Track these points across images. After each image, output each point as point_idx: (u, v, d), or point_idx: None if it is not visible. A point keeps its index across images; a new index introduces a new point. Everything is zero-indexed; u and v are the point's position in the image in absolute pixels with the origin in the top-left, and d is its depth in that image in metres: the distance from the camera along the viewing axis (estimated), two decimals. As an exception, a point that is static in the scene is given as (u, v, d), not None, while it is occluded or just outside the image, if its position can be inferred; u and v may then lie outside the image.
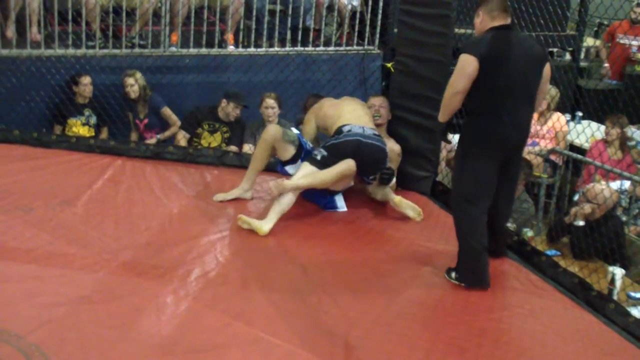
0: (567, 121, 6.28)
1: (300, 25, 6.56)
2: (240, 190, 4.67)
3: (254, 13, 6.40)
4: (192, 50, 6.30)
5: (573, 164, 5.82)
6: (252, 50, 6.46)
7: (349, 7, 6.76)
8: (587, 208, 4.80)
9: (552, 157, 5.90)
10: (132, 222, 4.20)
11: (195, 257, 3.84)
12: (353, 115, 4.66)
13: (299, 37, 6.57)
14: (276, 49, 6.51)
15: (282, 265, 3.93)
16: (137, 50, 6.19)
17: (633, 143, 5.87)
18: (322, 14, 6.73)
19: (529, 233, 4.92)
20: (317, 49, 6.66)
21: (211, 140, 5.90)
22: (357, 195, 4.84)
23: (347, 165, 4.41)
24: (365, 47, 6.76)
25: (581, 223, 4.83)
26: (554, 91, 6.13)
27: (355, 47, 6.76)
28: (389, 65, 6.40)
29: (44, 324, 3.06)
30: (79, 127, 5.94)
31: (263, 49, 6.47)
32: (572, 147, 6.30)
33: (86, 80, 5.89)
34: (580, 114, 6.86)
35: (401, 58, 5.32)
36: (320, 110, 4.87)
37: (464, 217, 3.78)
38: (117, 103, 6.06)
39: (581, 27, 7.72)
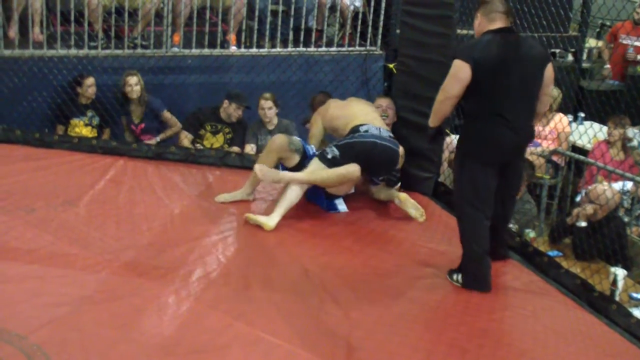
0: (570, 122, 6.27)
1: (303, 26, 6.56)
2: (242, 194, 4.66)
3: (257, 13, 6.39)
4: (195, 51, 6.29)
5: (575, 165, 5.82)
6: (254, 50, 6.45)
7: (351, 7, 6.75)
8: (589, 209, 4.80)
9: (554, 158, 5.90)
10: (134, 223, 4.20)
11: (197, 258, 3.84)
12: (369, 116, 4.63)
13: (301, 38, 6.56)
14: (278, 49, 6.50)
15: (283, 265, 3.93)
16: (139, 50, 6.18)
17: (634, 144, 5.86)
18: (324, 15, 6.71)
19: (531, 234, 4.91)
20: (320, 49, 6.65)
21: (214, 141, 5.90)
22: (359, 196, 4.84)
23: (351, 169, 4.37)
24: (368, 48, 6.75)
25: (583, 224, 4.83)
26: (556, 92, 6.11)
27: (357, 48, 6.75)
28: (391, 66, 6.39)
29: (46, 324, 3.06)
30: (81, 128, 5.93)
31: (265, 50, 6.47)
32: (575, 148, 6.30)
33: (90, 81, 5.88)
34: (582, 115, 6.85)
35: (403, 59, 5.32)
36: (327, 112, 4.84)
37: (467, 221, 3.78)
38: (115, 105, 6.05)
39: (583, 28, 7.71)
